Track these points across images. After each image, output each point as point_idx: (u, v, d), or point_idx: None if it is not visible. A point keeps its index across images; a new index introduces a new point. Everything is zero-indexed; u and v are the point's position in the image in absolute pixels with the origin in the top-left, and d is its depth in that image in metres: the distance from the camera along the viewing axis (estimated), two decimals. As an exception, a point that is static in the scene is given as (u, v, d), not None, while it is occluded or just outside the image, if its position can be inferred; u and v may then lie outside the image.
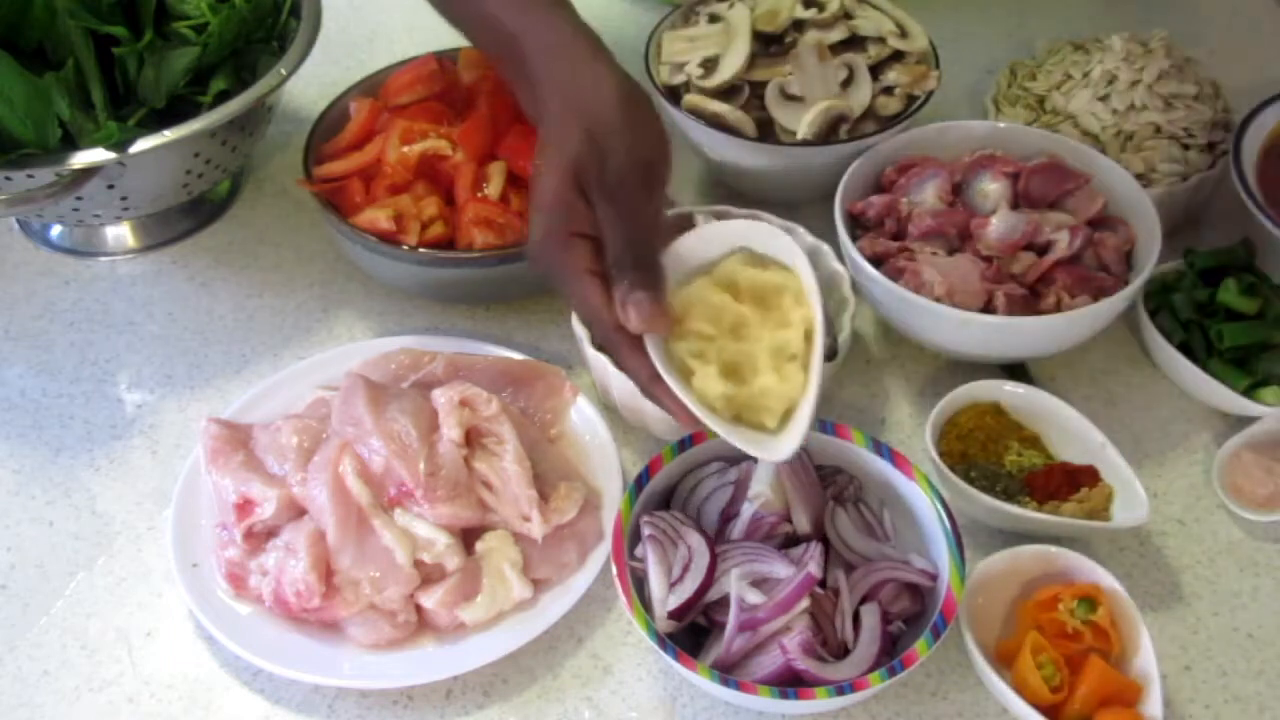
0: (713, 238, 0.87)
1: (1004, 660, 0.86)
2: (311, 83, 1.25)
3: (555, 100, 0.85)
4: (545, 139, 0.85)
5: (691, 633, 0.86)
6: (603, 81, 0.84)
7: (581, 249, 0.82)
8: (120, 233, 1.17)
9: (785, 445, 0.80)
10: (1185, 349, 1.02)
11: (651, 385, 0.82)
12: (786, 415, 0.82)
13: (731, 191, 1.19)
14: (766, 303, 0.85)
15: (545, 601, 0.90)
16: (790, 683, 0.82)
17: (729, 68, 1.12)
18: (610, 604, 0.92)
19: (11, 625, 0.92)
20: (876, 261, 1.01)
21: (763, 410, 0.82)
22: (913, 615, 0.87)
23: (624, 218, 0.82)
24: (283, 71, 1.08)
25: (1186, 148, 1.12)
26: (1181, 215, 1.13)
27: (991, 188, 1.04)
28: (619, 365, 0.85)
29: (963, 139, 1.09)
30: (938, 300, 0.97)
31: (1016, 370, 1.04)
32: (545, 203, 0.83)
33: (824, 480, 0.91)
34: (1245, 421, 1.00)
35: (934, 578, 0.86)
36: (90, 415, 1.05)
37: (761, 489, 0.87)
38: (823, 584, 0.85)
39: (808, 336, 0.83)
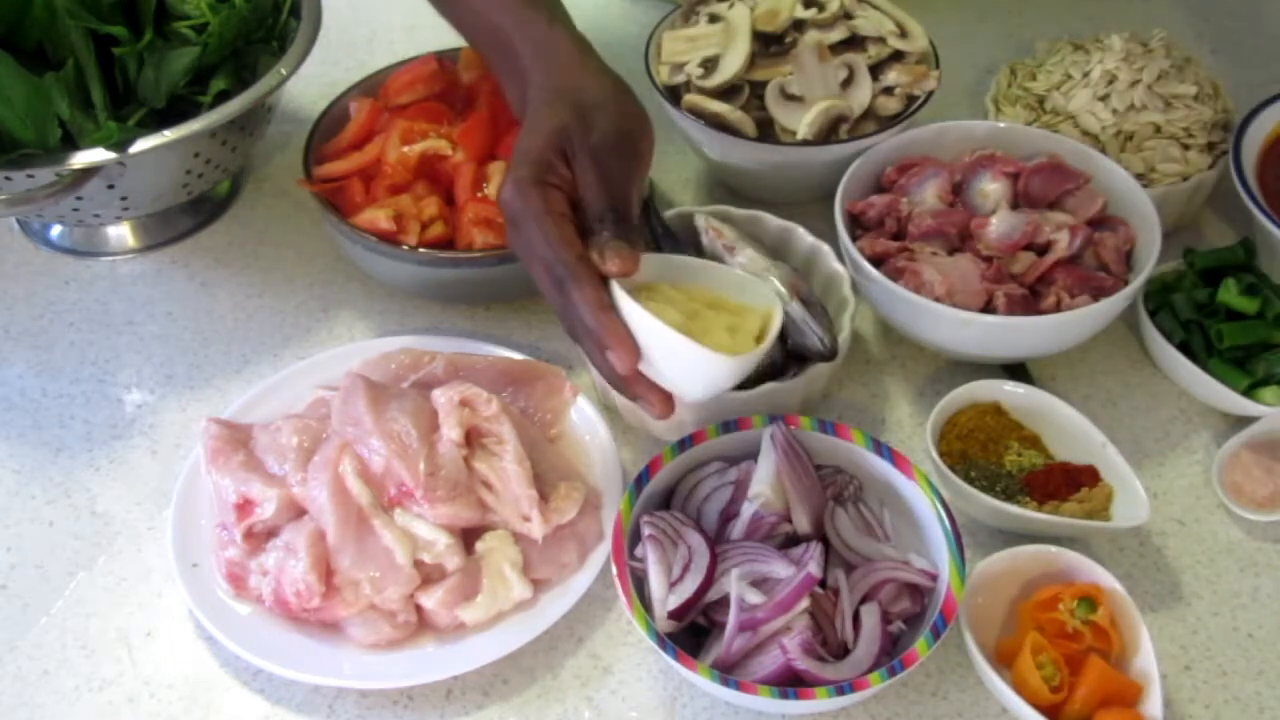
0: (680, 264, 0.90)
1: (1004, 660, 0.86)
2: (311, 83, 1.25)
3: (542, 90, 0.88)
4: (527, 121, 0.88)
5: (691, 633, 0.86)
6: (591, 71, 0.88)
7: (555, 195, 0.85)
8: (120, 233, 1.17)
9: (741, 354, 0.83)
10: (1185, 349, 1.02)
11: (599, 314, 0.82)
12: None
13: (731, 191, 1.19)
14: (722, 309, 0.88)
15: (545, 601, 0.90)
16: (790, 683, 0.82)
17: (729, 68, 1.12)
18: (610, 604, 0.92)
19: (11, 625, 0.92)
20: (876, 261, 1.00)
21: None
22: (913, 615, 0.87)
23: (606, 181, 0.85)
24: (283, 71, 1.08)
25: (1186, 148, 1.12)
26: (1181, 215, 1.13)
27: (991, 188, 1.04)
28: (569, 299, 0.83)
29: (963, 139, 1.09)
30: (938, 300, 0.97)
31: (1016, 370, 1.04)
32: (522, 157, 0.85)
33: (824, 480, 0.91)
34: (1245, 421, 1.00)
35: (934, 578, 0.86)
36: (90, 415, 1.05)
37: (761, 489, 0.87)
38: (823, 584, 0.85)
39: (763, 330, 0.86)
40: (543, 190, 0.84)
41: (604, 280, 0.83)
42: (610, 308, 0.82)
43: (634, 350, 0.82)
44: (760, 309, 0.89)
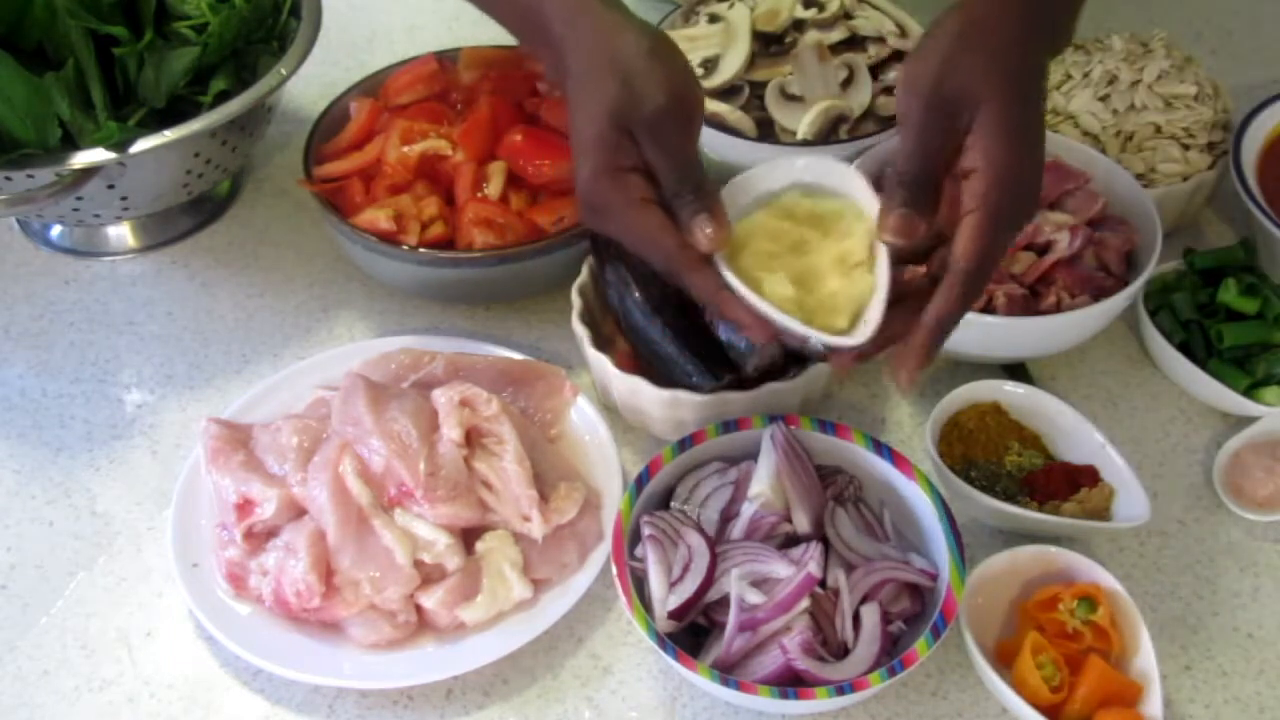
0: (767, 174, 0.87)
1: (1004, 660, 0.86)
2: (311, 83, 1.25)
3: (581, 58, 0.86)
4: (575, 95, 0.86)
5: (691, 633, 0.86)
6: (627, 33, 0.85)
7: (634, 180, 0.83)
8: (120, 233, 1.17)
9: (858, 334, 0.80)
10: (1185, 349, 1.02)
11: (717, 297, 0.82)
12: (855, 317, 0.81)
13: (731, 191, 1.19)
14: (825, 226, 0.85)
15: (545, 601, 0.90)
16: (790, 683, 0.82)
17: (729, 68, 1.12)
18: (610, 604, 0.92)
19: (11, 625, 0.92)
20: (876, 261, 1.00)
21: (831, 311, 0.82)
22: (913, 615, 0.87)
23: (672, 152, 0.83)
24: (283, 71, 1.08)
25: (1186, 148, 1.11)
26: (1181, 215, 1.13)
27: (991, 188, 1.04)
28: (684, 285, 0.84)
29: (963, 139, 1.09)
30: (938, 300, 0.97)
31: (1016, 370, 1.04)
32: (589, 145, 0.84)
33: (824, 480, 0.91)
34: (1245, 421, 1.00)
35: (934, 578, 0.86)
36: (90, 415, 1.05)
37: (761, 489, 0.87)
38: (823, 584, 0.85)
39: (871, 249, 0.83)
40: (620, 179, 0.83)
41: (708, 255, 0.82)
42: (725, 287, 0.82)
43: (764, 324, 0.81)
44: (860, 207, 0.84)
